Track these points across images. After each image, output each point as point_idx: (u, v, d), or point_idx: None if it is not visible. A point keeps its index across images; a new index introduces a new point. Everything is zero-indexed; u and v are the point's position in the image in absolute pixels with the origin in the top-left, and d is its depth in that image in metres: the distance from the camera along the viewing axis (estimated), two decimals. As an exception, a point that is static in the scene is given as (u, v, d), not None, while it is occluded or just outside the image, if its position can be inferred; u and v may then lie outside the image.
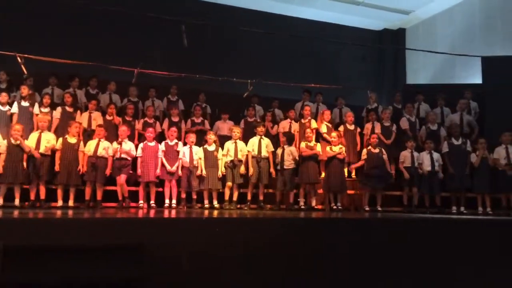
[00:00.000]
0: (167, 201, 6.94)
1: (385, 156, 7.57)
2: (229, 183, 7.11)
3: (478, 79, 9.58)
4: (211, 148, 7.26)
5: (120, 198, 6.78)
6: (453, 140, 7.69)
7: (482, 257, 5.09)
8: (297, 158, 7.36)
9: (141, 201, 6.86)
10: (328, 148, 7.52)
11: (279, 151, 7.45)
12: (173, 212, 6.18)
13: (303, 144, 7.53)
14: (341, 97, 9.40)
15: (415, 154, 7.66)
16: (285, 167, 7.29)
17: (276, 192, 7.36)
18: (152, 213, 5.60)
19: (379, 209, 7.40)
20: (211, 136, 7.33)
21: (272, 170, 7.28)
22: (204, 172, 7.07)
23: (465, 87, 9.21)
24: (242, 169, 7.16)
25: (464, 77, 11.10)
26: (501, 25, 10.98)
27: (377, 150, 7.56)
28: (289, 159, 7.31)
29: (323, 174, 7.69)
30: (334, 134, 7.61)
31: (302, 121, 8.37)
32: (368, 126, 8.40)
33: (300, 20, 12.93)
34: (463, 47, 11.04)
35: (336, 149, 7.43)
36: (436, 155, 7.61)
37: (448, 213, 7.22)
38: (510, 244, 5.30)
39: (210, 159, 7.19)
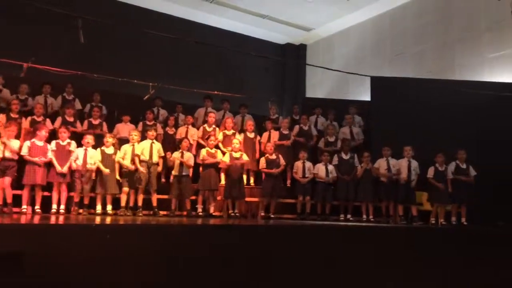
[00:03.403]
0: (54, 206, 6.48)
1: (282, 166, 7.86)
2: (125, 188, 6.89)
3: (368, 97, 10.43)
4: (109, 151, 6.98)
5: (0, 202, 6.20)
6: (342, 154, 8.27)
7: (364, 260, 5.55)
8: (192, 164, 7.36)
9: (24, 206, 6.32)
10: (227, 155, 7.64)
11: (177, 155, 7.38)
12: (61, 218, 5.82)
13: (204, 151, 7.57)
14: (244, 105, 9.63)
15: (307, 164, 8.07)
16: (183, 173, 7.27)
17: (171, 199, 7.28)
18: (36, 219, 5.23)
19: (272, 216, 7.68)
20: (108, 139, 7.04)
21: (162, 176, 7.23)
22: (107, 171, 6.75)
23: (353, 103, 9.99)
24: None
25: (357, 93, 12.04)
26: (389, 48, 12.12)
27: (274, 157, 7.84)
28: (189, 161, 7.32)
29: (222, 181, 7.79)
30: (236, 141, 7.76)
31: (207, 127, 8.42)
32: (266, 135, 8.69)
33: (208, 27, 13.04)
34: (356, 66, 11.98)
35: (237, 155, 7.57)
36: (330, 167, 8.08)
37: (335, 220, 7.73)
38: (386, 248, 5.86)
39: (108, 162, 6.90)
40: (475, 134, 8.19)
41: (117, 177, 6.92)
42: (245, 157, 7.67)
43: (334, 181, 8.02)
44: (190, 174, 7.40)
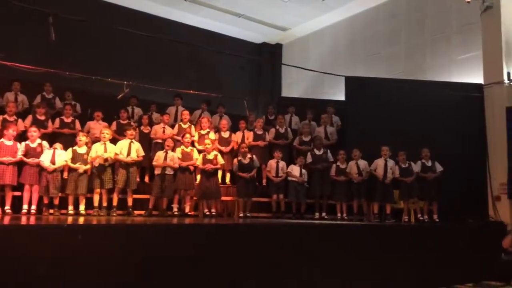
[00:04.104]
0: (25, 206, 6.35)
1: (255, 164, 7.88)
2: (97, 189, 6.79)
3: (343, 96, 10.55)
4: (81, 150, 6.86)
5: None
6: (315, 151, 8.36)
7: (338, 257, 5.65)
8: (177, 165, 7.32)
9: (-6, 207, 6.18)
10: (201, 157, 7.61)
11: (162, 155, 7.33)
12: (32, 218, 5.70)
13: (179, 150, 7.52)
14: (221, 105, 9.61)
15: (281, 164, 8.11)
16: (166, 172, 7.21)
17: (150, 198, 7.22)
18: (6, 219, 5.12)
19: (248, 215, 7.69)
20: (81, 138, 6.92)
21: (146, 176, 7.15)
22: (81, 167, 6.63)
23: (329, 102, 10.10)
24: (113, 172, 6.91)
25: (332, 93, 12.18)
26: (363, 49, 12.31)
27: (247, 161, 7.85)
28: (171, 164, 7.25)
29: (198, 180, 7.76)
30: (207, 141, 7.72)
31: (182, 124, 8.38)
32: (239, 134, 8.69)
33: (184, 26, 12.96)
34: (331, 65, 12.10)
35: (211, 157, 7.55)
36: (304, 171, 8.09)
37: (310, 219, 7.81)
38: (360, 246, 5.98)
39: (79, 162, 6.77)
40: (445, 133, 8.40)
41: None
42: (220, 159, 7.64)
43: (306, 181, 8.07)
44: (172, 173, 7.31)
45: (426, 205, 7.92)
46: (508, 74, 8.51)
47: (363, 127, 8.78)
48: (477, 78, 9.06)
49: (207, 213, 7.47)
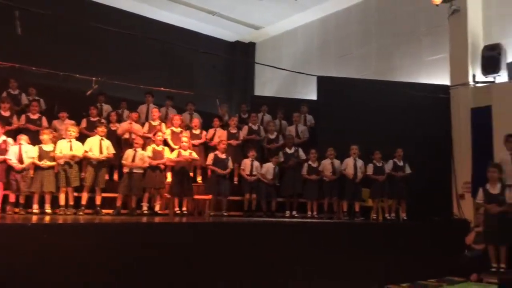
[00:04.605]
0: (-11, 205, 6.18)
1: (229, 169, 7.87)
2: (64, 187, 6.63)
3: (315, 96, 10.65)
4: (47, 147, 6.70)
5: None
6: (286, 149, 8.42)
7: (308, 254, 5.72)
8: (146, 164, 7.24)
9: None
10: (176, 152, 7.55)
11: (131, 153, 7.23)
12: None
13: (150, 148, 7.45)
14: (192, 102, 9.55)
15: (255, 163, 8.14)
16: (135, 170, 7.12)
17: (118, 196, 7.11)
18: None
19: (225, 214, 7.67)
20: (44, 137, 6.73)
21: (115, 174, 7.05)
22: (47, 163, 6.48)
23: (303, 101, 10.19)
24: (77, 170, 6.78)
25: (304, 93, 12.28)
26: (335, 49, 12.46)
27: (224, 156, 7.85)
28: (140, 163, 7.16)
29: (169, 178, 7.70)
30: (185, 138, 7.68)
31: (152, 122, 8.29)
32: (211, 132, 8.67)
33: (156, 22, 12.81)
34: (304, 65, 12.20)
35: (186, 153, 7.51)
36: (277, 169, 8.16)
37: (281, 217, 7.87)
38: (330, 243, 6.07)
39: (46, 159, 6.60)
40: (412, 133, 8.60)
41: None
42: (195, 155, 7.62)
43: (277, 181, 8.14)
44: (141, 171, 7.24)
45: (394, 203, 8.08)
46: (473, 76, 8.77)
47: (334, 126, 8.89)
48: (444, 79, 9.30)
49: (178, 211, 7.41)
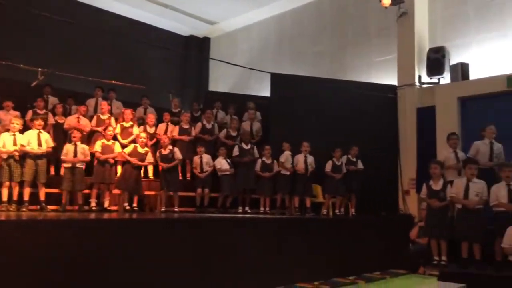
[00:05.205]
0: None
1: (177, 160, 7.80)
2: (6, 182, 6.33)
3: (268, 92, 10.73)
4: (-11, 140, 6.36)
5: None
6: (243, 145, 8.45)
7: (261, 249, 5.77)
8: (88, 158, 7.02)
9: None
10: (131, 147, 7.39)
11: (71, 147, 6.98)
12: None
13: (99, 143, 7.24)
14: (146, 97, 9.36)
15: (205, 158, 8.08)
16: (77, 165, 6.88)
17: (63, 192, 6.86)
18: None
19: (176, 209, 7.58)
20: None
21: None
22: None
23: (256, 98, 10.24)
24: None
25: (257, 89, 12.33)
26: (289, 47, 12.60)
27: (167, 151, 7.75)
28: (81, 157, 6.94)
29: (119, 173, 7.52)
30: (143, 134, 7.61)
31: (101, 116, 8.06)
32: (162, 126, 8.57)
33: (107, 13, 12.42)
34: (258, 62, 12.22)
35: (142, 151, 7.40)
36: (229, 160, 8.18)
37: (234, 213, 7.88)
38: (282, 237, 6.15)
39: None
40: (362, 130, 8.86)
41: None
42: (149, 158, 7.54)
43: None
44: (83, 166, 7.03)
45: (345, 199, 8.31)
46: (419, 77, 9.14)
47: (287, 123, 9.00)
48: (393, 80, 9.64)
49: (128, 207, 7.26)
